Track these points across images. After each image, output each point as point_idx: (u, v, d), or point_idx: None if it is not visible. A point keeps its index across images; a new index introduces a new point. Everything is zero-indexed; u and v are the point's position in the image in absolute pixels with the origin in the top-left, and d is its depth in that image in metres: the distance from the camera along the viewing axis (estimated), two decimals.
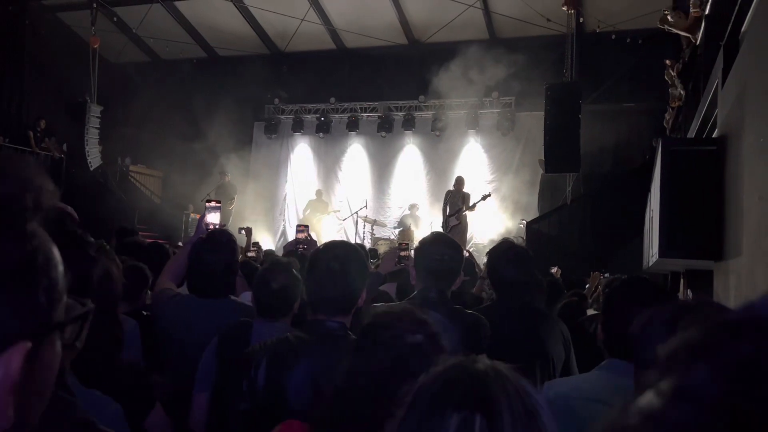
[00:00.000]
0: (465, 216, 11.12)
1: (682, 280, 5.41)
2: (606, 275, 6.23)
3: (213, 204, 2.87)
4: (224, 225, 3.67)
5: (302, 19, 12.04)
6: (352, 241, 12.54)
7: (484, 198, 10.92)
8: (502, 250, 2.68)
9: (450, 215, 11.10)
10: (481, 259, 10.50)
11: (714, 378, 0.36)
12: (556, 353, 2.56)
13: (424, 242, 2.56)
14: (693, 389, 0.37)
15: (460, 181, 11.36)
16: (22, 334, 0.51)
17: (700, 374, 0.37)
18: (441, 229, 11.23)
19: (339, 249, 2.07)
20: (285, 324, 2.46)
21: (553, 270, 7.57)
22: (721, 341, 0.38)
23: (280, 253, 6.03)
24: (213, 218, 2.83)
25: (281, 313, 2.47)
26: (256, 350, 1.89)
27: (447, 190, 11.56)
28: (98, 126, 12.14)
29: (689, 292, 4.80)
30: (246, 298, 3.05)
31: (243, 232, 7.89)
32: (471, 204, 11.03)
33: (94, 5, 11.92)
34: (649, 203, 5.71)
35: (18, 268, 0.52)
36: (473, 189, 11.74)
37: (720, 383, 0.36)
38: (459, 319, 2.35)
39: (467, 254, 6.41)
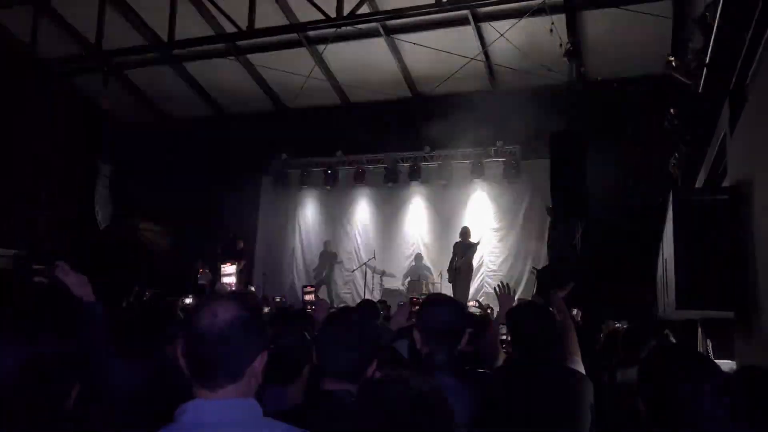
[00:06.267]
0: (469, 265, 11.19)
1: (699, 330, 5.29)
2: (617, 324, 6.10)
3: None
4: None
5: (308, 76, 12.28)
6: (362, 294, 12.48)
7: (471, 247, 11.18)
8: (524, 310, 2.66)
9: (453, 266, 11.17)
10: (489, 302, 10.47)
11: None
12: (584, 414, 2.48)
13: (424, 305, 2.58)
14: None
15: (464, 232, 11.46)
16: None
17: None
18: (446, 279, 11.28)
19: (355, 315, 2.06)
20: (295, 390, 2.41)
21: (574, 312, 7.41)
22: None
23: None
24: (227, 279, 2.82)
25: (290, 377, 2.42)
26: None
27: (455, 242, 11.63)
28: (108, 185, 12.27)
29: (708, 343, 4.69)
30: None
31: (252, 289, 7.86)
32: (462, 256, 11.17)
33: (105, 68, 12.23)
34: (661, 250, 5.65)
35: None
36: (482, 238, 11.82)
37: None
38: (469, 381, 2.30)
39: (477, 308, 6.33)
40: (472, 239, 11.54)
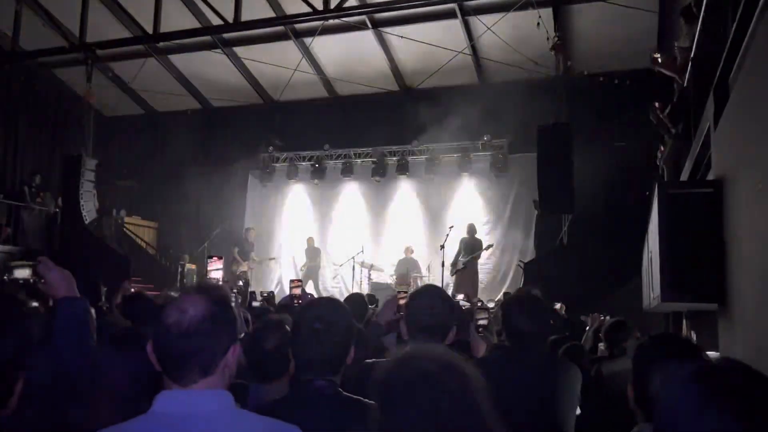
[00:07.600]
0: (475, 262, 11.56)
1: (684, 321, 5.35)
2: (604, 317, 6.14)
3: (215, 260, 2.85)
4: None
5: (295, 69, 12.21)
6: (350, 288, 12.47)
7: (486, 248, 11.65)
8: (518, 300, 2.64)
9: (457, 261, 11.55)
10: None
11: None
12: (571, 404, 2.50)
13: (414, 296, 2.52)
14: None
15: (469, 229, 11.79)
16: None
17: None
18: (449, 271, 11.56)
19: (322, 308, 2.02)
20: (281, 386, 2.40)
21: (557, 306, 7.47)
22: None
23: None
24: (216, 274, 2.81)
25: (276, 375, 2.41)
26: None
27: (461, 237, 11.89)
28: (93, 179, 12.11)
29: (692, 334, 4.74)
30: None
31: (241, 283, 7.86)
32: (472, 255, 11.41)
33: (90, 61, 12.08)
34: (646, 242, 5.69)
35: None
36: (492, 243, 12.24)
37: None
38: None
39: (467, 303, 6.34)
40: (478, 237, 11.85)
